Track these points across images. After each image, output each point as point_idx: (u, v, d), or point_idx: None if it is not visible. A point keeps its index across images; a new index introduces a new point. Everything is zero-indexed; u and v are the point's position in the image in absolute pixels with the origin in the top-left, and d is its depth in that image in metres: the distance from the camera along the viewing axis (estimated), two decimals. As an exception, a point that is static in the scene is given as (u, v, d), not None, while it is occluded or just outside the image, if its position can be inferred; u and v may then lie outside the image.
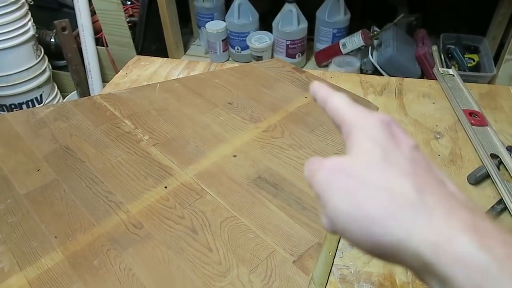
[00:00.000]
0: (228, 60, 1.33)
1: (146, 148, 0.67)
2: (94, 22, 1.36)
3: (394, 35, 1.14)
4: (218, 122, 0.72)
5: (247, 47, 1.25)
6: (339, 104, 0.28)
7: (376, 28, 1.22)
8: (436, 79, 0.85)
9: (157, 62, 0.95)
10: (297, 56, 1.23)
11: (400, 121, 0.74)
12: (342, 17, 1.21)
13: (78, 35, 1.37)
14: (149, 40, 1.36)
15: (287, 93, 0.79)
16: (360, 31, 1.15)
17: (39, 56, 1.32)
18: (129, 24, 1.33)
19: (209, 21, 1.27)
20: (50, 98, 1.39)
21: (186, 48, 1.40)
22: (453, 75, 0.84)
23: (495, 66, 1.10)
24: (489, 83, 1.08)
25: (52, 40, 1.45)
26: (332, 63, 1.18)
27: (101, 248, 0.51)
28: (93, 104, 0.77)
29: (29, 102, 1.33)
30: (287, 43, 1.20)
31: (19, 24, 1.22)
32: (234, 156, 0.65)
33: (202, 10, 1.32)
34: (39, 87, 1.33)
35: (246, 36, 1.24)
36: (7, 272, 0.49)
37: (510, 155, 0.64)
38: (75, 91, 1.43)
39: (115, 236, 0.53)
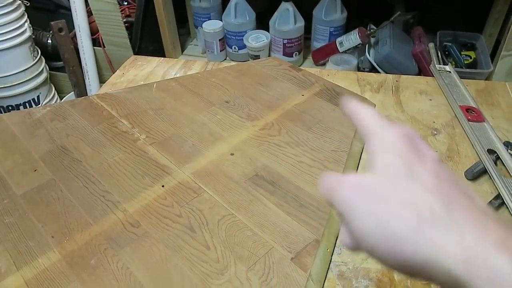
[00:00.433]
0: (225, 59, 1.33)
1: (143, 147, 0.67)
2: (91, 23, 1.36)
3: (390, 33, 1.14)
4: (215, 121, 0.72)
5: (244, 47, 1.25)
6: (365, 116, 0.28)
7: (372, 26, 1.22)
8: (433, 76, 0.85)
9: (154, 61, 0.95)
10: (294, 55, 1.23)
11: (397, 118, 0.74)
12: (338, 15, 1.21)
13: (75, 36, 1.37)
14: (146, 41, 1.36)
15: (284, 91, 0.79)
16: (357, 29, 1.15)
17: (36, 57, 1.32)
18: (126, 25, 1.33)
19: (206, 21, 1.27)
20: (48, 99, 1.39)
21: (183, 48, 1.40)
22: (450, 72, 0.84)
23: (491, 62, 1.10)
24: (486, 79, 1.08)
25: (49, 41, 1.45)
26: (329, 61, 1.18)
27: (98, 247, 0.51)
28: (89, 104, 0.77)
29: (27, 104, 1.33)
30: (284, 42, 1.20)
31: (16, 25, 1.22)
32: (231, 154, 0.65)
33: (199, 10, 1.32)
34: (36, 88, 1.33)
35: (243, 36, 1.24)
36: (4, 272, 0.49)
37: (507, 150, 0.64)
38: (73, 92, 1.42)
39: (112, 235, 0.52)
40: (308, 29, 1.25)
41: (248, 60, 1.23)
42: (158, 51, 1.32)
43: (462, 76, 0.84)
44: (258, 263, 0.49)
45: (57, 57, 1.41)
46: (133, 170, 0.62)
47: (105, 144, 0.67)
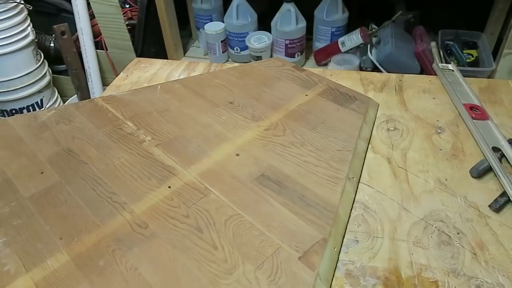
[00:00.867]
0: (227, 61, 1.33)
1: (149, 148, 0.67)
2: (93, 26, 1.36)
3: (392, 33, 1.15)
4: (220, 122, 0.72)
5: (246, 48, 1.25)
6: None
7: (374, 26, 1.22)
8: (436, 75, 0.85)
9: (157, 63, 0.95)
10: (296, 55, 1.23)
11: (401, 117, 0.75)
12: (340, 15, 1.21)
13: (77, 39, 1.37)
14: (149, 43, 1.36)
15: (288, 92, 0.80)
16: (359, 29, 1.15)
17: (39, 60, 1.32)
18: (128, 27, 1.33)
19: (207, 23, 1.28)
20: (51, 103, 1.39)
21: (185, 50, 1.41)
22: (453, 70, 0.85)
23: (494, 61, 1.10)
24: (488, 78, 1.08)
25: (52, 44, 1.45)
26: (331, 61, 1.18)
27: (107, 248, 0.51)
28: (94, 107, 0.77)
29: (30, 107, 1.33)
30: (286, 43, 1.21)
31: (19, 29, 1.22)
32: (237, 155, 0.65)
33: (201, 11, 1.32)
34: (39, 91, 1.33)
35: (245, 37, 1.24)
36: (13, 274, 0.49)
37: (512, 148, 0.64)
38: (76, 95, 1.43)
39: (120, 236, 0.53)
40: (309, 29, 1.25)
41: (250, 61, 1.24)
42: (160, 53, 1.32)
43: (464, 74, 0.84)
44: (266, 263, 0.49)
45: (60, 61, 1.41)
46: (139, 172, 0.62)
47: (111, 146, 0.68)
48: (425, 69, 1.11)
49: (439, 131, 0.71)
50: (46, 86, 1.36)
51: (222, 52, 1.29)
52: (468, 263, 0.50)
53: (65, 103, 1.47)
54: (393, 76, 0.86)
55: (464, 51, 1.17)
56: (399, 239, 0.53)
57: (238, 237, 0.52)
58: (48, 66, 1.39)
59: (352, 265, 0.51)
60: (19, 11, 1.23)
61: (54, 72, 1.46)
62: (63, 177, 0.62)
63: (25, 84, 1.28)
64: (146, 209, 0.56)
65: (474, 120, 0.70)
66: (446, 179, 0.61)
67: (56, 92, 1.45)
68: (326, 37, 1.24)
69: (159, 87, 0.82)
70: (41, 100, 1.35)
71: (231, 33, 1.26)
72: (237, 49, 1.28)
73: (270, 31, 1.24)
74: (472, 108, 0.72)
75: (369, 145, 0.69)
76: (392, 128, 0.72)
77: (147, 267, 0.49)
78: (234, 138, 0.68)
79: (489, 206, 0.57)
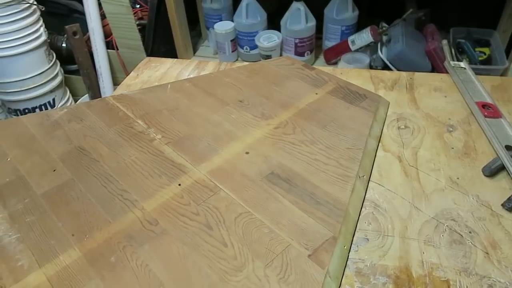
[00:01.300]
0: (237, 60, 1.33)
1: (159, 146, 0.67)
2: (104, 26, 1.38)
3: (403, 31, 1.14)
4: (230, 120, 0.73)
5: (255, 47, 1.26)
6: None
7: (384, 24, 1.21)
8: (447, 73, 0.84)
9: (167, 63, 0.96)
10: (306, 54, 1.23)
11: (412, 115, 0.74)
12: (350, 14, 1.21)
13: (88, 39, 1.39)
14: (159, 43, 1.37)
15: (298, 90, 0.80)
16: (369, 27, 1.15)
17: (51, 60, 1.34)
18: (139, 27, 1.35)
19: (217, 22, 1.28)
20: (63, 102, 1.41)
21: (195, 49, 1.41)
22: (465, 68, 0.84)
23: (507, 58, 1.08)
24: (501, 76, 1.07)
25: (63, 45, 1.47)
26: (341, 60, 1.18)
27: (118, 245, 0.52)
28: (105, 105, 0.78)
29: (42, 106, 1.35)
30: (296, 42, 1.20)
31: (32, 29, 1.24)
32: (247, 153, 0.65)
33: (210, 11, 1.33)
34: (51, 91, 1.35)
35: (254, 36, 1.25)
36: (26, 269, 0.50)
37: (525, 146, 0.63)
38: (87, 95, 1.44)
39: (131, 233, 0.53)
40: (319, 28, 1.25)
41: (260, 60, 1.24)
42: (170, 53, 1.33)
43: (476, 73, 0.83)
44: (276, 260, 0.49)
45: (72, 61, 1.43)
46: (150, 170, 0.63)
47: (122, 144, 0.68)
48: (436, 68, 1.10)
49: (451, 129, 0.70)
50: (58, 86, 1.37)
51: (232, 52, 1.29)
52: (480, 262, 0.49)
53: (77, 103, 1.49)
54: (404, 74, 0.86)
55: (476, 49, 1.16)
56: (410, 238, 0.53)
57: (247, 234, 0.52)
58: (60, 66, 1.41)
59: (362, 263, 0.50)
60: (32, 12, 1.24)
61: (65, 72, 1.48)
62: (75, 174, 0.63)
63: (37, 84, 1.30)
64: (157, 207, 0.57)
65: (486, 118, 0.69)
66: (458, 178, 0.61)
67: (68, 92, 1.47)
68: (336, 36, 1.24)
69: (169, 86, 0.83)
70: (53, 99, 1.37)
71: (240, 32, 1.27)
72: (246, 48, 1.29)
73: (279, 30, 1.24)
74: (484, 106, 0.71)
75: (380, 144, 0.68)
76: (403, 127, 0.72)
77: (158, 264, 0.49)
78: (244, 137, 0.69)
79: (502, 205, 0.56)
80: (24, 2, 1.20)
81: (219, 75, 0.86)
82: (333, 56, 1.23)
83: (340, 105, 0.75)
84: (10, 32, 1.19)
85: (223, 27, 1.25)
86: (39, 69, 1.29)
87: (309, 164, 0.62)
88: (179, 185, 0.60)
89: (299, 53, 1.23)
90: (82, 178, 0.62)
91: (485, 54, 1.15)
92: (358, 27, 1.23)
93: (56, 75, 1.36)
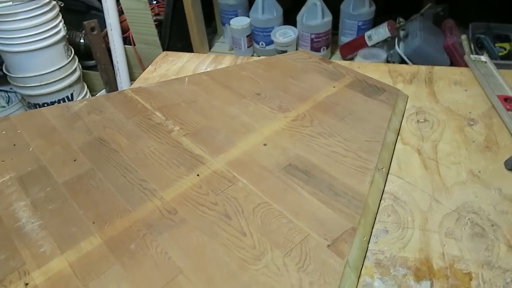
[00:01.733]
0: (252, 55, 1.33)
1: (177, 138, 0.68)
2: (122, 22, 1.39)
3: (421, 26, 1.12)
4: (247, 113, 0.73)
5: (271, 42, 1.25)
6: None
7: (401, 19, 1.20)
8: (467, 67, 0.83)
9: (184, 57, 0.96)
10: (322, 49, 1.23)
11: (431, 109, 0.73)
12: (367, 9, 1.20)
13: (106, 35, 1.41)
14: (175, 38, 1.38)
15: (315, 83, 0.79)
16: (386, 22, 1.14)
17: (70, 56, 1.36)
18: (156, 23, 1.36)
19: (233, 18, 1.28)
20: (80, 97, 1.43)
21: (210, 46, 1.42)
22: (485, 62, 0.82)
23: (528, 54, 1.06)
24: (522, 71, 1.05)
25: (81, 41, 1.50)
26: (357, 55, 1.17)
27: (138, 233, 0.53)
28: (124, 98, 0.79)
29: (61, 101, 1.37)
30: (312, 37, 1.20)
31: (51, 25, 1.26)
32: (264, 144, 0.65)
33: (226, 7, 1.33)
34: (70, 86, 1.37)
35: (270, 31, 1.25)
36: (49, 255, 0.51)
37: (549, 140, 0.62)
38: (104, 90, 1.46)
39: (151, 222, 0.54)
40: (335, 24, 1.24)
41: (276, 56, 1.24)
42: (187, 49, 1.34)
43: (497, 67, 0.81)
44: (295, 250, 0.49)
45: (89, 56, 1.45)
46: (169, 160, 0.63)
47: (141, 136, 0.69)
48: (454, 63, 1.09)
49: (472, 123, 0.69)
50: (76, 81, 1.40)
51: (248, 47, 1.30)
52: (503, 255, 0.48)
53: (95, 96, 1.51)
54: (422, 68, 0.85)
55: (496, 45, 1.14)
56: (430, 230, 0.52)
57: (266, 224, 0.52)
58: (78, 61, 1.43)
59: (382, 254, 0.50)
60: (51, 8, 1.27)
61: (83, 67, 1.50)
62: (95, 164, 0.64)
63: (56, 79, 1.32)
64: (176, 196, 0.57)
65: (509, 112, 0.68)
66: (479, 171, 0.60)
67: (85, 87, 1.49)
68: (352, 31, 1.23)
69: (186, 79, 0.83)
70: (71, 94, 1.40)
71: (256, 27, 1.27)
72: (262, 44, 1.29)
73: (295, 26, 1.23)
74: (506, 99, 0.70)
75: (399, 137, 0.67)
76: (422, 120, 0.71)
77: (177, 251, 0.50)
78: (261, 129, 0.69)
79: (525, 198, 0.55)
80: (44, -2, 1.22)
81: (236, 68, 0.87)
82: (349, 51, 1.22)
83: (358, 98, 0.74)
84: (29, 28, 1.22)
85: (239, 22, 1.25)
86: (58, 64, 1.32)
87: (328, 156, 0.62)
88: (198, 175, 0.60)
89: (315, 49, 1.22)
90: (102, 168, 0.63)
91: (505, 49, 1.13)
92: (375, 22, 1.22)
93: (74, 70, 1.39)
